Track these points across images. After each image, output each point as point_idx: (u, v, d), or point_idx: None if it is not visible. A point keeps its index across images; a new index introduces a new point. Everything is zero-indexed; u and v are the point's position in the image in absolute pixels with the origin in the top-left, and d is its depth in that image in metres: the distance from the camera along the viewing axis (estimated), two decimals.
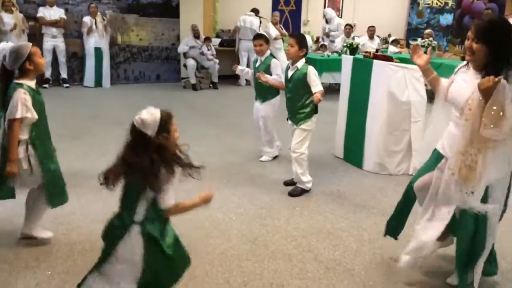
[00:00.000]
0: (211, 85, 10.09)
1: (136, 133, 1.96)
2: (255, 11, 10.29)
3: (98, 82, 9.42)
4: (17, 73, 2.83)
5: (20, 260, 2.89)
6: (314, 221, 3.60)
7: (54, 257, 2.95)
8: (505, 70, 2.28)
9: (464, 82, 2.50)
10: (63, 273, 2.77)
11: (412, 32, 12.73)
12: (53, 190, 2.96)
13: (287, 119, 4.19)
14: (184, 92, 9.51)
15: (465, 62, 2.60)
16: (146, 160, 1.94)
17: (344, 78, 5.19)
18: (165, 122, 1.99)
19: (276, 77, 4.62)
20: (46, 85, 8.80)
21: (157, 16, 10.20)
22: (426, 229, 2.61)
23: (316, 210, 3.81)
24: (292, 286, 2.72)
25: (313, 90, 3.92)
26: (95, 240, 3.16)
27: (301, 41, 4.00)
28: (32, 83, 2.85)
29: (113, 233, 2.05)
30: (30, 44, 2.88)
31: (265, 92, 4.87)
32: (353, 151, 5.01)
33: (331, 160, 5.22)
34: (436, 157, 2.65)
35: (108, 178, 2.01)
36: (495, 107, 2.17)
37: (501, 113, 2.16)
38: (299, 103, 4.00)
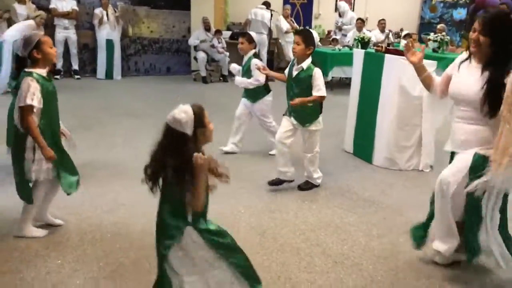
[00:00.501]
0: (221, 78, 10.10)
1: (173, 134, 1.88)
2: (267, 4, 10.25)
3: (109, 74, 9.47)
4: (29, 62, 2.87)
5: (31, 248, 2.92)
6: (323, 215, 3.60)
7: (64, 246, 2.98)
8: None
9: (469, 76, 2.51)
10: (73, 262, 2.80)
11: (425, 26, 12.57)
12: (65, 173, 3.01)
13: (284, 114, 4.01)
14: (194, 85, 9.52)
15: (465, 56, 2.60)
16: (181, 159, 1.87)
17: (355, 72, 5.16)
18: (199, 116, 1.93)
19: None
20: (58, 76, 8.86)
21: (168, 8, 10.21)
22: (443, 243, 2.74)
23: (325, 204, 3.80)
24: (300, 279, 2.72)
25: (313, 93, 3.74)
26: (105, 230, 3.20)
27: (308, 39, 3.74)
28: (42, 72, 2.87)
29: (169, 233, 1.97)
30: (42, 33, 2.91)
31: (255, 91, 4.84)
32: (363, 146, 4.98)
33: (340, 154, 5.20)
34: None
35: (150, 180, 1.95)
36: None
37: None
38: None
